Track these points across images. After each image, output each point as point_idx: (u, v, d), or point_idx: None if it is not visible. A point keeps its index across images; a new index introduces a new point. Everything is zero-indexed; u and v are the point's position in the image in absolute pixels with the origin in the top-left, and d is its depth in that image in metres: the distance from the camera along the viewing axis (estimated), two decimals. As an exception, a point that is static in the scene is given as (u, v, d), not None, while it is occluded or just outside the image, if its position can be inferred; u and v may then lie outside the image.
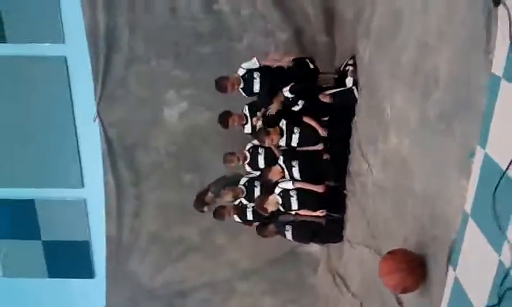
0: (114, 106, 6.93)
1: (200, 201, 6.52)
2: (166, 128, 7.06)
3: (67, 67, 6.97)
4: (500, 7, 2.44)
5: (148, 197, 7.35)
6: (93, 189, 7.46)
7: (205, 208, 6.53)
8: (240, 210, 6.36)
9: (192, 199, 6.63)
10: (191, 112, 6.96)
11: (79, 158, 7.43)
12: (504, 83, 2.45)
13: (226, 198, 6.24)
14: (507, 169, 2.42)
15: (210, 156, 6.88)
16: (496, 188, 2.49)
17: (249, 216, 6.32)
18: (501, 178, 2.46)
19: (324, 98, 5.46)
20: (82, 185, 7.61)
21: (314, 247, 7.00)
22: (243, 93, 5.95)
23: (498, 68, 2.50)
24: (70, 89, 7.07)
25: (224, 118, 6.03)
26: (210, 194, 6.50)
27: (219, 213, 6.40)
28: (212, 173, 6.88)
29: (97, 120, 6.96)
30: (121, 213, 7.40)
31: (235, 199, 6.26)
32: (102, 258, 7.74)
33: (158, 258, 7.62)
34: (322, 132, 5.63)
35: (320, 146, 5.80)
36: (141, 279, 7.75)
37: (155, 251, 7.59)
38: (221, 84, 5.84)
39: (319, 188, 5.80)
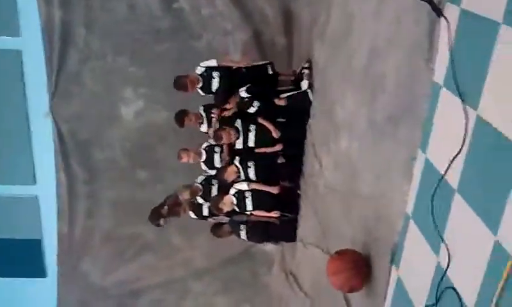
0: (68, 101, 6.80)
1: (156, 214, 6.38)
2: (121, 126, 6.98)
3: (22, 61, 6.78)
4: (442, 19, 2.54)
5: (101, 195, 7.24)
6: (46, 186, 7.28)
7: (161, 221, 6.41)
8: (196, 207, 6.32)
9: (147, 197, 6.57)
10: (147, 110, 6.92)
11: (32, 153, 7.22)
12: (443, 91, 2.56)
13: (184, 196, 6.18)
14: (445, 173, 2.52)
15: (166, 154, 6.84)
16: (434, 192, 2.59)
17: (205, 212, 6.29)
18: (439, 182, 2.57)
19: (280, 102, 5.52)
20: (35, 182, 7.40)
21: (269, 247, 7.06)
22: (201, 92, 5.93)
23: (439, 76, 2.61)
24: (24, 83, 6.88)
25: (181, 117, 6.00)
26: (166, 207, 6.41)
27: (174, 210, 6.30)
28: (168, 171, 6.85)
29: (50, 115, 6.82)
30: (73, 211, 7.26)
31: (193, 197, 6.22)
32: (54, 257, 7.57)
33: (111, 257, 7.51)
34: (276, 134, 5.68)
35: (278, 147, 5.81)
36: (94, 279, 7.62)
37: (109, 249, 7.47)
38: (180, 82, 5.80)
39: (274, 190, 5.84)
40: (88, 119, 6.92)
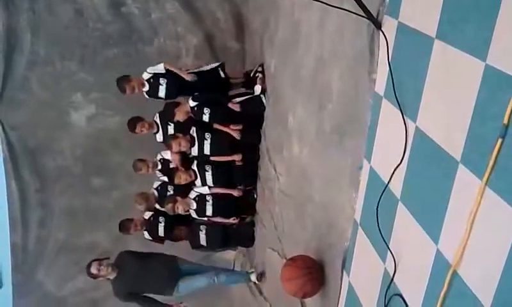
0: (15, 108, 6.58)
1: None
2: (72, 132, 6.81)
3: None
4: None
5: (54, 203, 7.04)
6: (-3, 195, 7.04)
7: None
8: (151, 225, 6.08)
9: (102, 204, 6.41)
10: (99, 115, 6.77)
11: (-20, 162, 6.98)
12: (384, 102, 2.59)
13: (139, 205, 6.03)
14: (388, 182, 2.56)
15: (120, 159, 6.71)
16: (379, 201, 2.63)
17: (161, 232, 6.10)
18: (384, 190, 2.60)
19: (234, 106, 5.44)
20: (-15, 191, 7.15)
21: (230, 254, 7.00)
22: (146, 96, 5.69)
23: (380, 87, 2.64)
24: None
25: (133, 123, 5.80)
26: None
27: (125, 226, 6.03)
28: (122, 176, 6.72)
29: (-3, 123, 6.60)
30: (26, 220, 7.05)
31: (150, 205, 6.07)
32: (9, 267, 7.33)
33: (68, 266, 7.32)
34: (237, 135, 5.52)
35: (236, 157, 5.68)
36: (50, 288, 7.44)
37: (65, 258, 7.29)
38: (120, 85, 5.55)
39: (234, 192, 5.82)
40: (37, 127, 6.72)
